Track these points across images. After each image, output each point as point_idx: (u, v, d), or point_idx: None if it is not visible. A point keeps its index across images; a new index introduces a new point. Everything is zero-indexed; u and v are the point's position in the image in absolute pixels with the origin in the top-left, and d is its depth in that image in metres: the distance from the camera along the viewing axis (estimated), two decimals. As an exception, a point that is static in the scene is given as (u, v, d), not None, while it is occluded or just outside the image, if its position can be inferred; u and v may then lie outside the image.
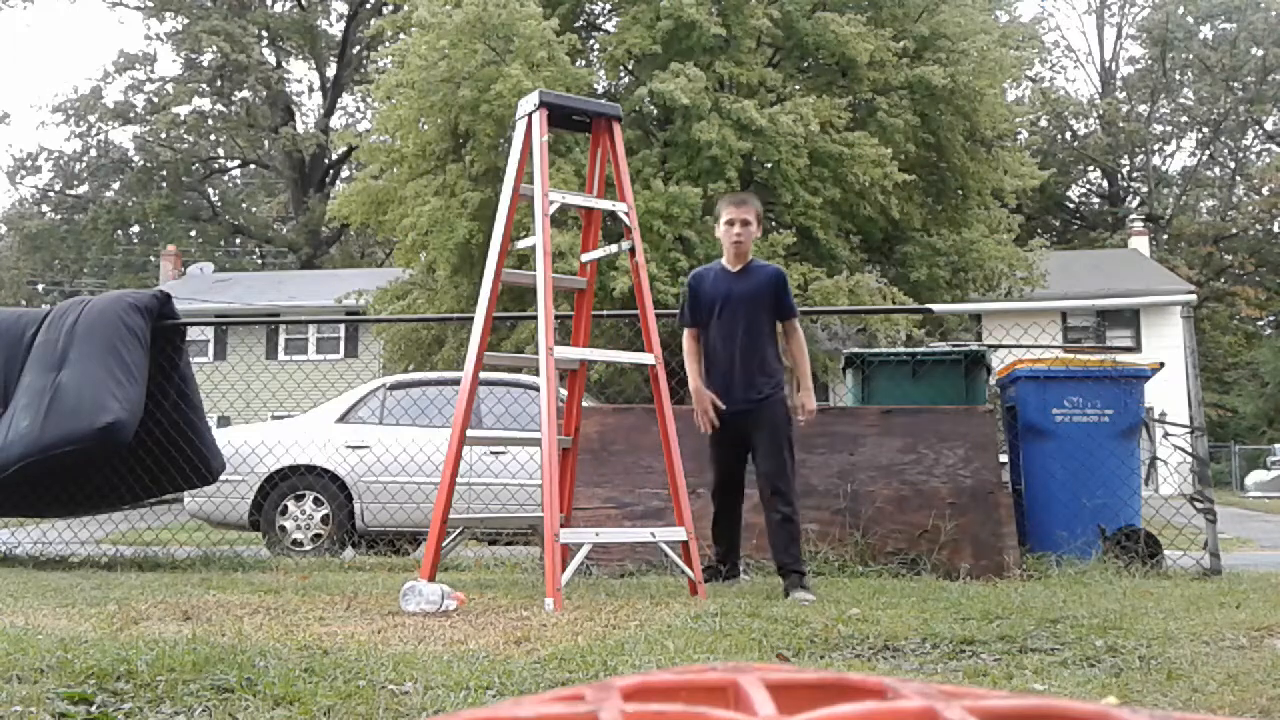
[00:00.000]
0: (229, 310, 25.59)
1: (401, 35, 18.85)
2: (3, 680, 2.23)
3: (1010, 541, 5.29)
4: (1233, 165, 41.54)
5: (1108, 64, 42.10)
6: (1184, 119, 41.27)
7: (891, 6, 17.05)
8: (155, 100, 36.00)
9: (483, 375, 4.70)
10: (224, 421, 12.29)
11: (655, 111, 17.02)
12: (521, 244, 4.66)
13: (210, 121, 37.75)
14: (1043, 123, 36.75)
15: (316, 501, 7.79)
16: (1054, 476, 5.72)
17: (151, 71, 36.94)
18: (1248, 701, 2.25)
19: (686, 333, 4.70)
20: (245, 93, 37.08)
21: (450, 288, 16.51)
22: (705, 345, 4.63)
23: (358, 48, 36.11)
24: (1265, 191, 38.82)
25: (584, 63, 18.10)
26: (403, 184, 16.85)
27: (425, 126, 16.61)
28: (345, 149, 29.74)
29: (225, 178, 43.25)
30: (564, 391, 5.06)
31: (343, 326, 26.31)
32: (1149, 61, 40.86)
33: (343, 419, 8.05)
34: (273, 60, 37.20)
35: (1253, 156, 41.43)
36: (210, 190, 41.16)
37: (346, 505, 7.75)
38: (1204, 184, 41.59)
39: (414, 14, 16.20)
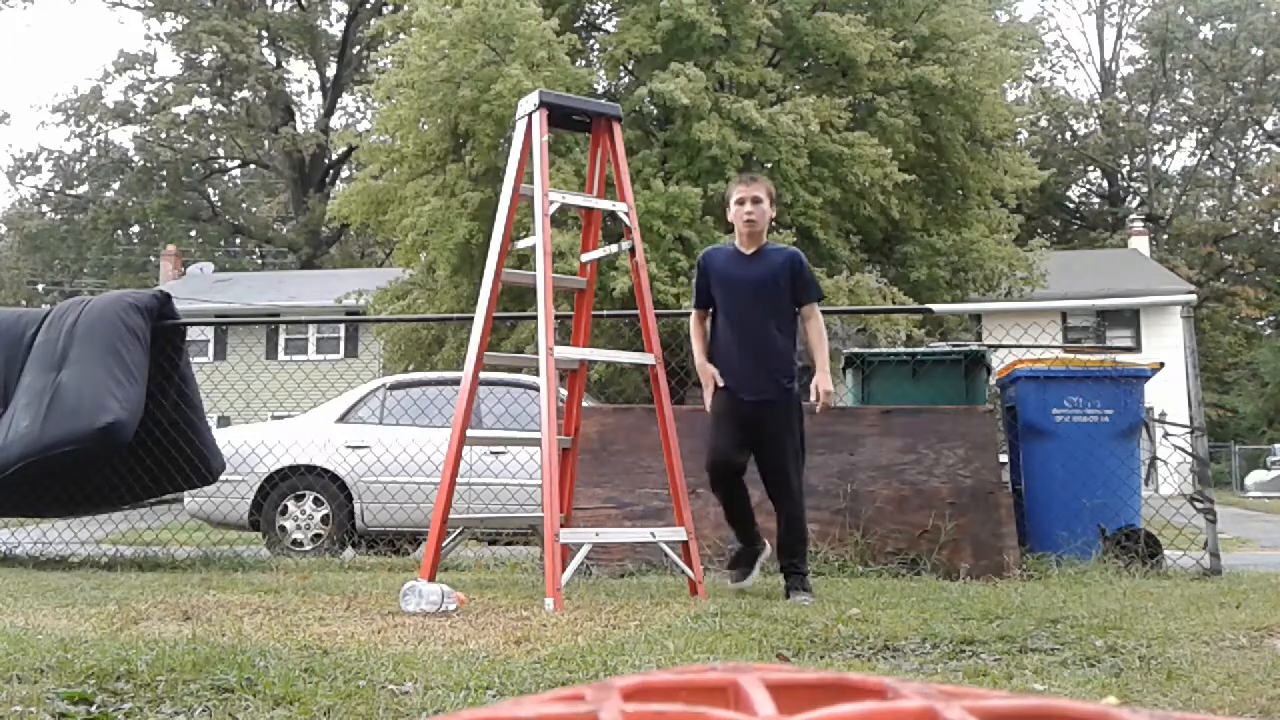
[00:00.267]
0: (229, 310, 25.60)
1: (401, 35, 18.85)
2: (3, 680, 2.23)
3: (1010, 541, 5.29)
4: (1233, 165, 41.56)
5: (1108, 64, 42.16)
6: (1184, 119, 41.29)
7: (891, 6, 17.05)
8: (155, 100, 36.02)
9: (483, 375, 4.69)
10: (224, 421, 12.28)
11: (655, 111, 17.02)
12: (521, 244, 4.66)
13: (210, 121, 37.78)
14: (1043, 123, 36.77)
15: (316, 501, 7.79)
16: (1054, 476, 5.72)
17: (151, 71, 37.00)
18: (1248, 701, 2.25)
19: (694, 313, 4.52)
20: (245, 93, 37.10)
21: (450, 288, 16.51)
22: (713, 332, 4.43)
23: (358, 48, 36.12)
24: (1265, 191, 38.84)
25: (584, 63, 18.10)
26: (403, 184, 16.86)
27: (425, 126, 16.61)
28: (345, 149, 29.76)
29: (225, 178, 43.27)
30: (564, 391, 5.06)
31: (343, 326, 26.31)
32: (1149, 61, 40.88)
33: (343, 419, 8.06)
34: (273, 60, 37.22)
35: (1253, 156, 41.47)
36: (210, 190, 41.17)
37: (346, 505, 7.75)
38: (1204, 184, 41.61)
39: (414, 14, 16.20)
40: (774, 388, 4.25)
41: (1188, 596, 4.17)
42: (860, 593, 4.18)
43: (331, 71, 37.76)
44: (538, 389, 5.31)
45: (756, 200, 4.33)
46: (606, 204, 4.68)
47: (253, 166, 41.75)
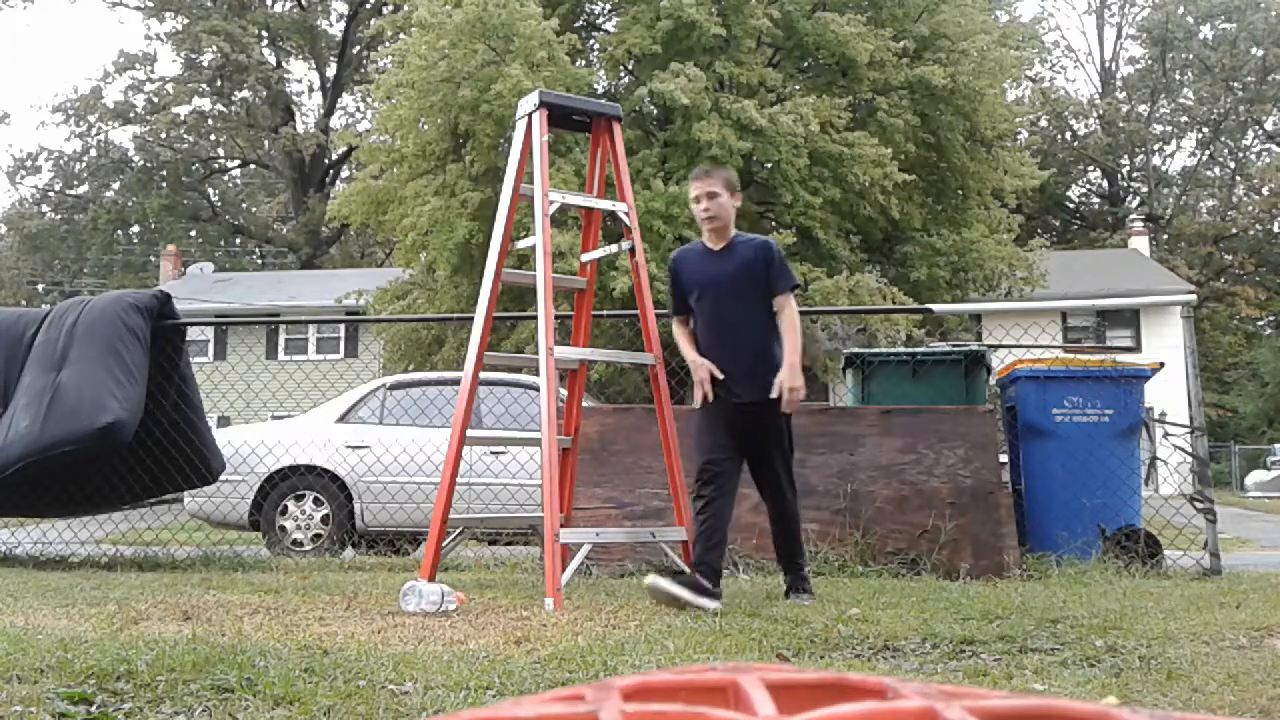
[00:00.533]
0: (229, 310, 25.59)
1: (401, 35, 18.85)
2: (3, 680, 2.23)
3: (1010, 541, 5.28)
4: (1233, 165, 41.56)
5: (1108, 64, 42.16)
6: (1184, 119, 41.29)
7: (891, 6, 17.06)
8: (155, 100, 36.03)
9: (483, 375, 4.69)
10: (224, 421, 12.29)
11: (655, 111, 17.03)
12: (521, 244, 4.66)
13: (210, 121, 37.78)
14: (1043, 123, 36.77)
15: (316, 501, 7.79)
16: (1054, 476, 5.72)
17: (151, 71, 37.01)
18: (1248, 701, 2.25)
19: (674, 321, 4.29)
20: (245, 93, 37.11)
21: (450, 288, 16.51)
22: (695, 334, 4.25)
23: (358, 48, 36.13)
24: (1265, 191, 38.84)
25: (584, 63, 18.10)
26: (403, 184, 16.86)
27: (425, 126, 16.61)
28: (345, 149, 29.76)
29: (225, 178, 43.27)
30: (564, 391, 5.06)
31: (343, 326, 26.31)
32: (1149, 61, 40.88)
33: (343, 419, 8.06)
34: (273, 60, 37.22)
35: (1253, 156, 41.47)
36: (210, 190, 41.18)
37: (346, 505, 7.75)
38: (1204, 184, 41.62)
39: (414, 14, 16.20)
40: (760, 389, 4.06)
41: (1188, 596, 4.17)
42: (860, 593, 4.18)
43: (331, 71, 37.77)
44: (538, 389, 5.31)
45: (713, 195, 4.12)
46: (606, 204, 4.68)
47: (253, 166, 41.75)
